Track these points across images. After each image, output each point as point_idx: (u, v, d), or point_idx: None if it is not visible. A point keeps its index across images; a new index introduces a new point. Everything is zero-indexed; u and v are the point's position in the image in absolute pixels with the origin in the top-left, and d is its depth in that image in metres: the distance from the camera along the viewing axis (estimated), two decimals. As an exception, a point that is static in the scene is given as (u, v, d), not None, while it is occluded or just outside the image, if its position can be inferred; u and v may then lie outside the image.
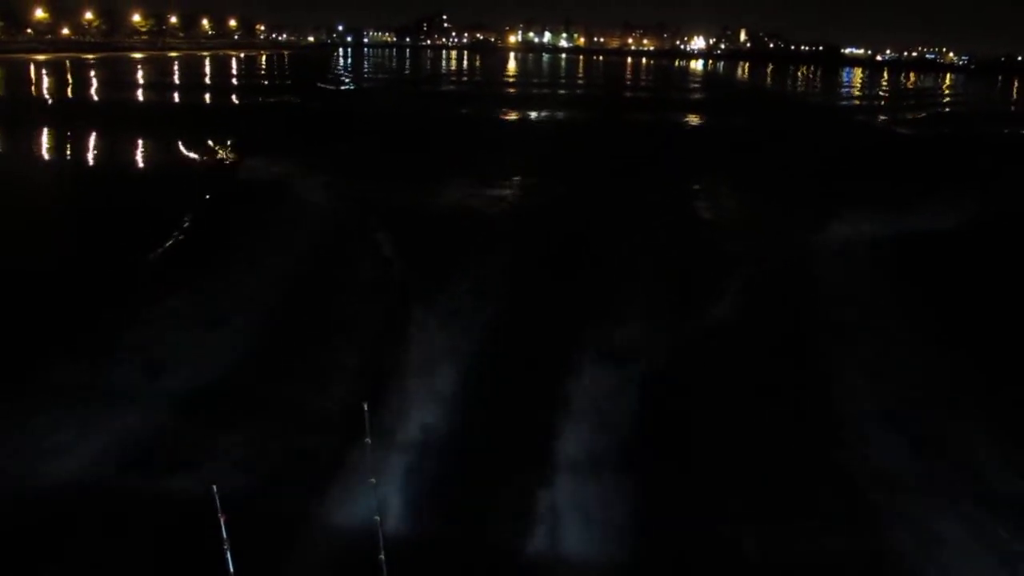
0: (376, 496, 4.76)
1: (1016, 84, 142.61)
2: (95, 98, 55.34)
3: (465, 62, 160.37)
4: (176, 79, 78.83)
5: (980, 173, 32.22)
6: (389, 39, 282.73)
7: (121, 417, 8.85)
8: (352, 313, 12.93)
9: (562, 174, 27.73)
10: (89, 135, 33.72)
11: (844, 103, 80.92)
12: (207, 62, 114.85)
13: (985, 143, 46.68)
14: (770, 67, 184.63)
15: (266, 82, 79.56)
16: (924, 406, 10.58)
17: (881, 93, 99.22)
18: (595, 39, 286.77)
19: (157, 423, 8.82)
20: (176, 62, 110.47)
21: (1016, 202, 25.61)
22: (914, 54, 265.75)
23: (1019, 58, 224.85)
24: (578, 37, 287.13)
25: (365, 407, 4.44)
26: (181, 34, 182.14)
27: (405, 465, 7.91)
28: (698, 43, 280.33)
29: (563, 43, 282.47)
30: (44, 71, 79.85)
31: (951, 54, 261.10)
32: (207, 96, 61.14)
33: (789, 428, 9.86)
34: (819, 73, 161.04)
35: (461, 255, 16.26)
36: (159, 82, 72.22)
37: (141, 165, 29.12)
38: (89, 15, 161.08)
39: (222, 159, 28.70)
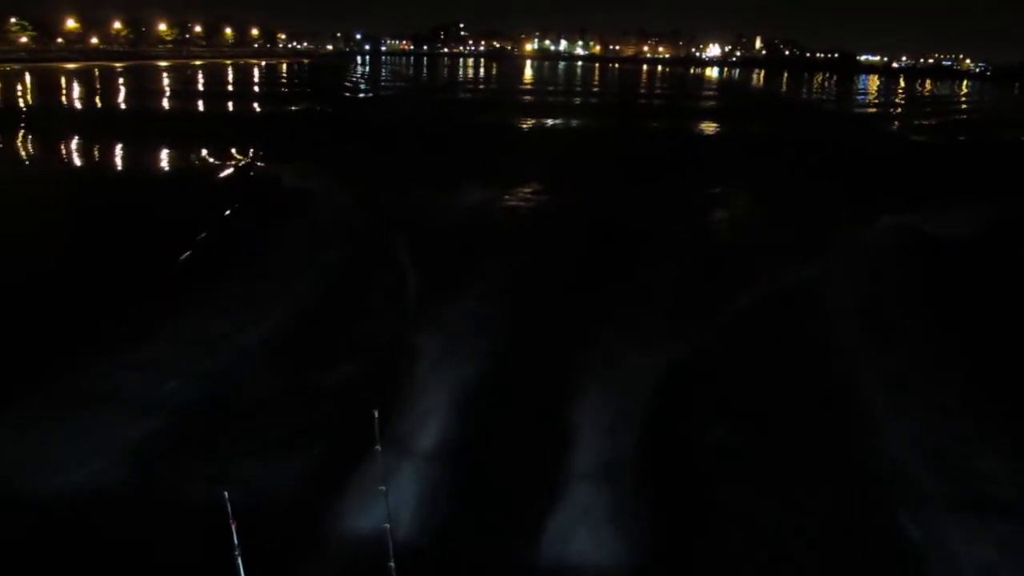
0: (387, 503, 4.69)
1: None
2: (130, 106, 56.18)
3: (481, 70, 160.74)
4: (202, 87, 79.67)
5: (997, 180, 31.74)
6: (406, 47, 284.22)
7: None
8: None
9: (580, 180, 27.71)
10: (132, 143, 34.26)
11: (860, 110, 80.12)
12: (230, 70, 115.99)
13: (1003, 150, 45.99)
14: (785, 74, 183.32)
15: (287, 90, 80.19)
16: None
17: (897, 100, 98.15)
18: (610, 47, 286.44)
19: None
20: (201, 70, 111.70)
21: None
22: (930, 61, 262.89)
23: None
24: (593, 45, 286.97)
25: (375, 414, 4.40)
26: (203, 42, 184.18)
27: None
28: (713, 50, 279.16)
29: (579, 51, 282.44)
30: (78, 80, 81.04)
31: (967, 61, 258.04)
32: (232, 104, 61.74)
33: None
34: (835, 80, 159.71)
35: (482, 259, 16.44)
36: (186, 90, 73.01)
37: (184, 172, 29.46)
38: (117, 25, 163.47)
39: (248, 165, 29.04)
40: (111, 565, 6.41)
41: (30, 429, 8.79)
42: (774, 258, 17.98)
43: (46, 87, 70.52)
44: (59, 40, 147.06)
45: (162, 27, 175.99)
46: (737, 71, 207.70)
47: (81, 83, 77.40)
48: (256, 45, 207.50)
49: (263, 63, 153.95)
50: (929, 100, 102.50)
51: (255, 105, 61.29)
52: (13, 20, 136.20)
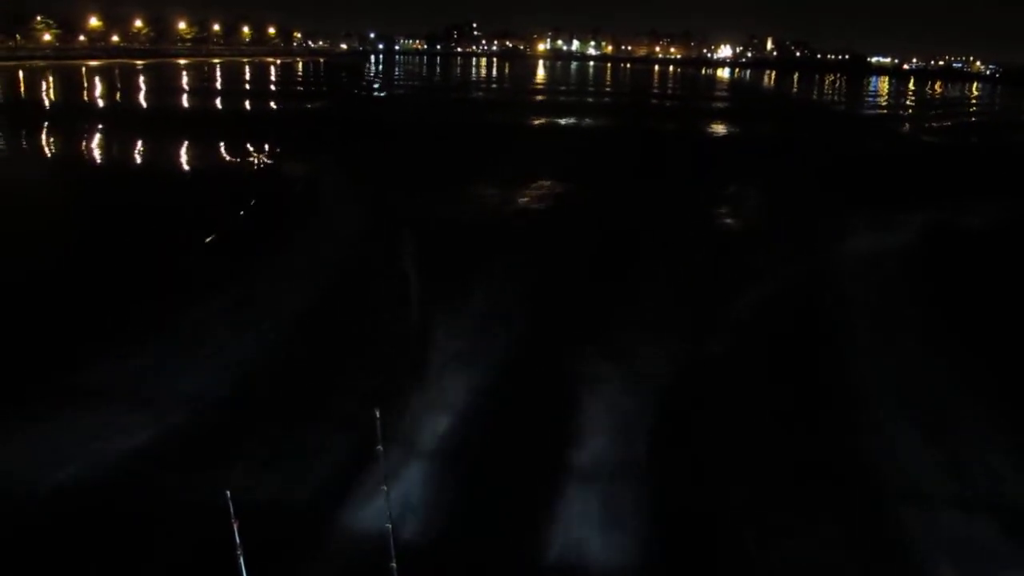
0: (388, 503, 4.62)
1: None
2: (151, 104, 56.57)
3: (494, 69, 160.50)
4: (221, 85, 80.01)
5: (1006, 181, 31.36)
6: (419, 46, 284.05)
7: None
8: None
9: (593, 178, 27.60)
10: (151, 140, 34.51)
11: (870, 112, 79.35)
12: (247, 68, 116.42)
13: (1012, 153, 45.41)
14: (796, 75, 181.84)
15: (303, 88, 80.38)
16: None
17: (907, 102, 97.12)
18: (622, 47, 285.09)
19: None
20: (219, 68, 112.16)
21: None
22: (940, 63, 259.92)
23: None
24: (606, 45, 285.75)
25: (377, 414, 4.33)
26: (222, 41, 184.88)
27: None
28: (725, 51, 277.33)
29: (591, 51, 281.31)
30: (101, 77, 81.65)
31: (978, 63, 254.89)
32: (251, 102, 61.97)
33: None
34: (845, 81, 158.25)
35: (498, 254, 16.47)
36: (207, 88, 73.38)
37: (202, 170, 29.66)
38: (138, 23, 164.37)
39: (264, 163, 29.21)
40: (111, 565, 6.39)
41: (40, 424, 8.81)
42: (783, 255, 17.82)
43: (72, 84, 71.10)
44: (81, 38, 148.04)
45: (182, 25, 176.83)
46: (748, 72, 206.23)
47: (104, 80, 77.91)
48: (273, 44, 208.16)
49: (279, 61, 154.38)
50: (939, 102, 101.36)
51: (272, 103, 61.48)
52: (39, 18, 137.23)
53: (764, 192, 25.80)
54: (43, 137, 35.37)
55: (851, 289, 15.56)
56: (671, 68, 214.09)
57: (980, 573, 7.08)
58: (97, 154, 32.54)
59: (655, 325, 13.08)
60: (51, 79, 75.10)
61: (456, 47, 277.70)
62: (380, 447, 4.18)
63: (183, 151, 32.04)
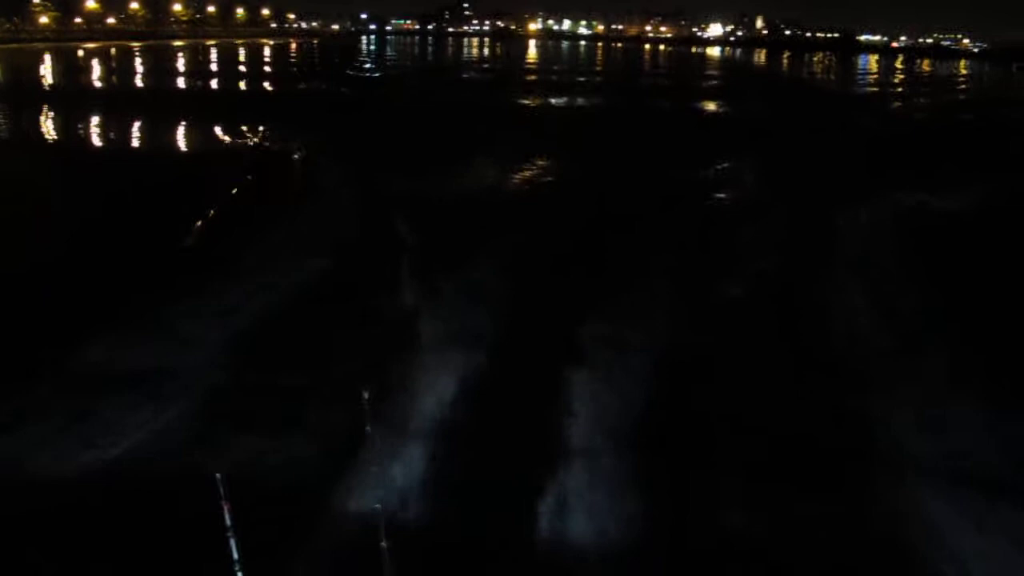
0: (378, 484, 4.49)
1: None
2: (147, 85, 55.94)
3: (486, 49, 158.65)
4: (216, 67, 78.92)
5: (996, 157, 31.23)
6: (411, 27, 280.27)
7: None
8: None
9: (585, 157, 27.37)
10: (147, 120, 34.15)
11: (861, 89, 78.82)
12: (242, 50, 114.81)
13: (1000, 129, 45.20)
14: (786, 54, 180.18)
15: (296, 69, 79.33)
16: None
17: (897, 80, 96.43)
18: (613, 26, 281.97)
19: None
20: (215, 50, 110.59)
21: None
22: (929, 40, 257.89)
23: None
24: (597, 24, 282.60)
25: (365, 395, 4.19)
26: (217, 23, 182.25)
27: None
28: (715, 30, 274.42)
29: (582, 30, 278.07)
30: (99, 59, 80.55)
31: (966, 40, 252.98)
32: (245, 83, 61.18)
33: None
34: (835, 60, 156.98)
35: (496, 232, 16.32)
36: (204, 71, 72.37)
37: (196, 150, 29.31)
38: (135, 4, 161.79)
39: (258, 143, 28.87)
40: (102, 550, 6.30)
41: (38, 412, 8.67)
42: (774, 231, 17.73)
43: (72, 67, 70.13)
44: (79, 20, 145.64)
45: (177, 7, 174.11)
46: (738, 51, 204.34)
47: (102, 62, 76.83)
48: (267, 25, 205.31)
49: (274, 43, 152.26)
50: (928, 80, 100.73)
51: (266, 84, 60.68)
52: (36, 0, 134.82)
53: (756, 169, 25.63)
54: (49, 117, 35.09)
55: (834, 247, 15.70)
56: (662, 47, 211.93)
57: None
58: (91, 134, 32.15)
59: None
60: (51, 61, 74.05)
61: (448, 27, 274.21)
62: (369, 427, 4.05)
63: (169, 133, 31.59)
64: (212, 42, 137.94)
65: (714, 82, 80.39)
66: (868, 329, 12.20)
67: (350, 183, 20.68)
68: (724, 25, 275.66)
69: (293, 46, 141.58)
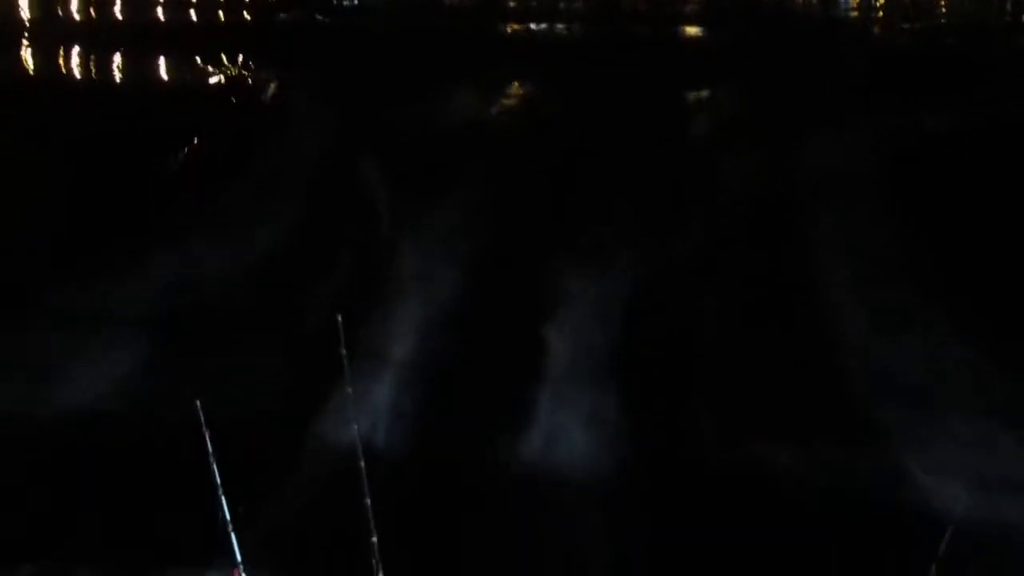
0: (354, 405, 4.59)
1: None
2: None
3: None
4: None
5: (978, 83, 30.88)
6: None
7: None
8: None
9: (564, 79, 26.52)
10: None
11: (841, 13, 76.64)
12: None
13: (982, 55, 44.47)
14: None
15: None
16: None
17: (877, 4, 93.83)
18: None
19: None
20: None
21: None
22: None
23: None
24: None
25: (339, 319, 4.23)
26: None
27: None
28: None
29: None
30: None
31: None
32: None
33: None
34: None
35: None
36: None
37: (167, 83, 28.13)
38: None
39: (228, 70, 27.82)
40: (90, 481, 6.42)
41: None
42: (750, 153, 17.59)
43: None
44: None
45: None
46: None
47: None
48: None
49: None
50: (910, 3, 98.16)
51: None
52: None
53: (732, 96, 25.24)
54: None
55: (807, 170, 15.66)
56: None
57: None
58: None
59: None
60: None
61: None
62: (344, 351, 4.12)
63: (136, 64, 30.22)
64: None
65: (692, 6, 77.54)
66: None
67: (321, 116, 20.05)
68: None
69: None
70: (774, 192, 14.20)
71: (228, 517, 4.00)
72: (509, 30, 46.65)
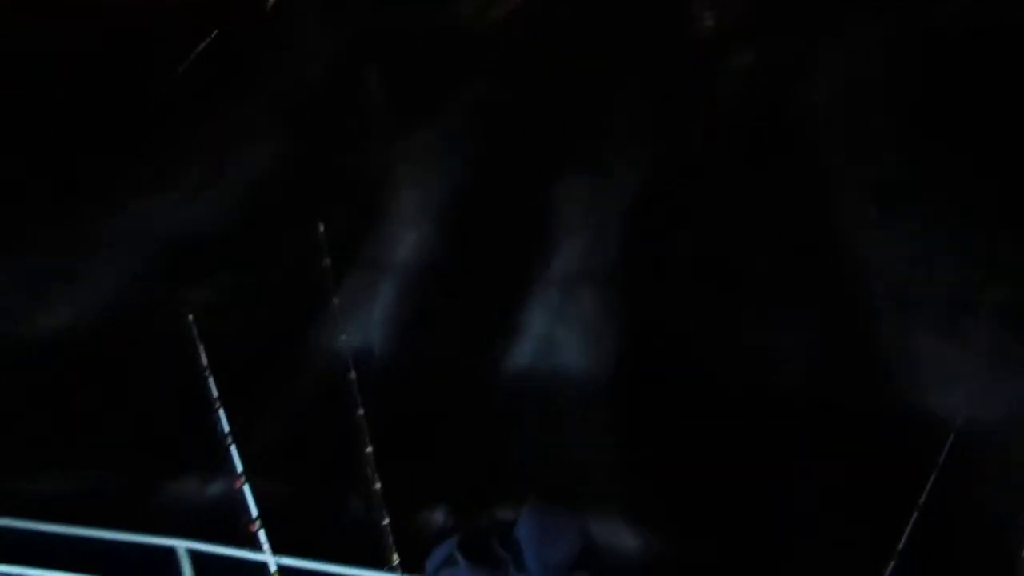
0: (340, 315, 4.50)
1: None
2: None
3: None
4: None
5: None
6: None
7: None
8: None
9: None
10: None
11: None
12: None
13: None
14: None
15: None
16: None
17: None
18: None
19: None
20: None
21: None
22: None
23: None
24: None
25: (320, 228, 4.12)
26: None
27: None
28: None
29: None
30: None
31: None
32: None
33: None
34: None
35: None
36: None
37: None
38: None
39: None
40: (87, 396, 6.43)
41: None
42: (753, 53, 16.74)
43: None
44: None
45: None
46: None
47: None
48: None
49: None
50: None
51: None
52: None
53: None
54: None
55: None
56: None
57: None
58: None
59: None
60: None
61: None
62: (328, 260, 4.03)
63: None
64: None
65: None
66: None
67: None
68: None
69: None
70: (776, 95, 13.44)
71: (227, 430, 3.99)
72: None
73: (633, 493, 5.92)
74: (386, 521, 4.00)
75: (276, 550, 4.07)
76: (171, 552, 4.12)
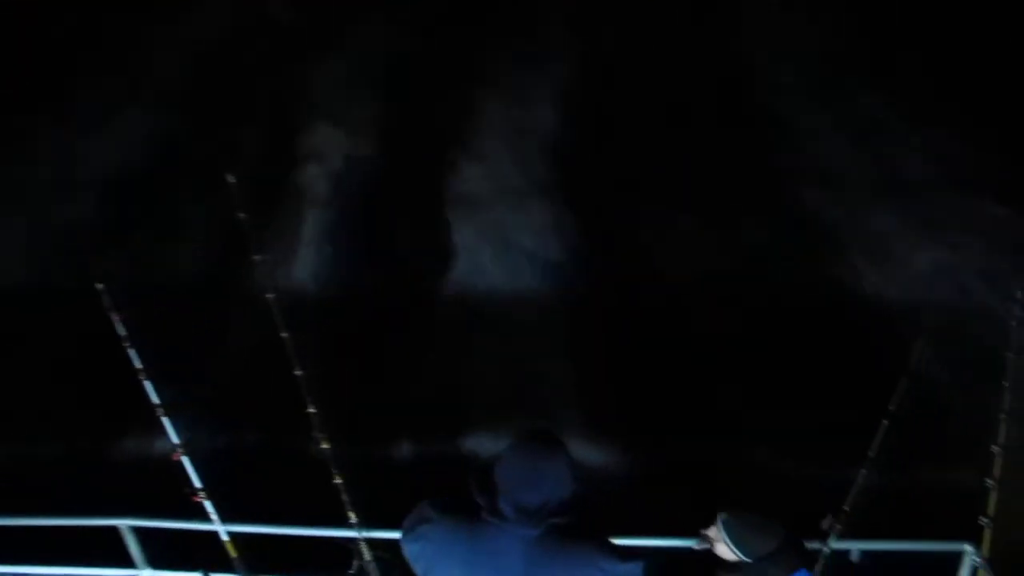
0: (262, 265, 4.08)
1: None
2: None
3: None
4: None
5: None
6: None
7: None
8: None
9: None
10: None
11: None
12: None
13: None
14: None
15: None
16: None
17: None
18: None
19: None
20: None
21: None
22: None
23: None
24: None
25: (231, 178, 3.72)
26: None
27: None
28: None
29: None
30: None
31: None
32: None
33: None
34: None
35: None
36: None
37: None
38: None
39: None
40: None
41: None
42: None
43: None
44: None
45: None
46: None
47: None
48: None
49: None
50: None
51: None
52: None
53: None
54: None
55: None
56: None
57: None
58: None
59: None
60: None
61: None
62: (241, 214, 3.64)
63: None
64: None
65: None
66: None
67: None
68: None
69: None
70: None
71: (157, 401, 3.67)
72: None
73: (585, 407, 5.82)
74: (338, 480, 3.77)
75: (226, 519, 3.87)
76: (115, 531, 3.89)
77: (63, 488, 5.02)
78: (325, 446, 3.72)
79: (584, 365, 6.31)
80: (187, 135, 9.19)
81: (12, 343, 6.33)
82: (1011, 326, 3.78)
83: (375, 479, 3.93)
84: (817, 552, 3.71)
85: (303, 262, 7.01)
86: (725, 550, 3.19)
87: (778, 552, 3.11)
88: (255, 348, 5.38)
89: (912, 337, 3.79)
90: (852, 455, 3.84)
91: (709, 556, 3.30)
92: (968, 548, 3.79)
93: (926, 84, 9.65)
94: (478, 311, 6.73)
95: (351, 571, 3.87)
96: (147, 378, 3.81)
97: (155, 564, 4.08)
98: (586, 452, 5.42)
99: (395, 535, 3.75)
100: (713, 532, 3.25)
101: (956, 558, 3.82)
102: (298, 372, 3.69)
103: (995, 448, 3.71)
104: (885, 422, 3.70)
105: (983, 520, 3.72)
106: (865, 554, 3.78)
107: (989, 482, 3.73)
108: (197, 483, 3.88)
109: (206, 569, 4.01)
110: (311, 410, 3.70)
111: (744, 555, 3.14)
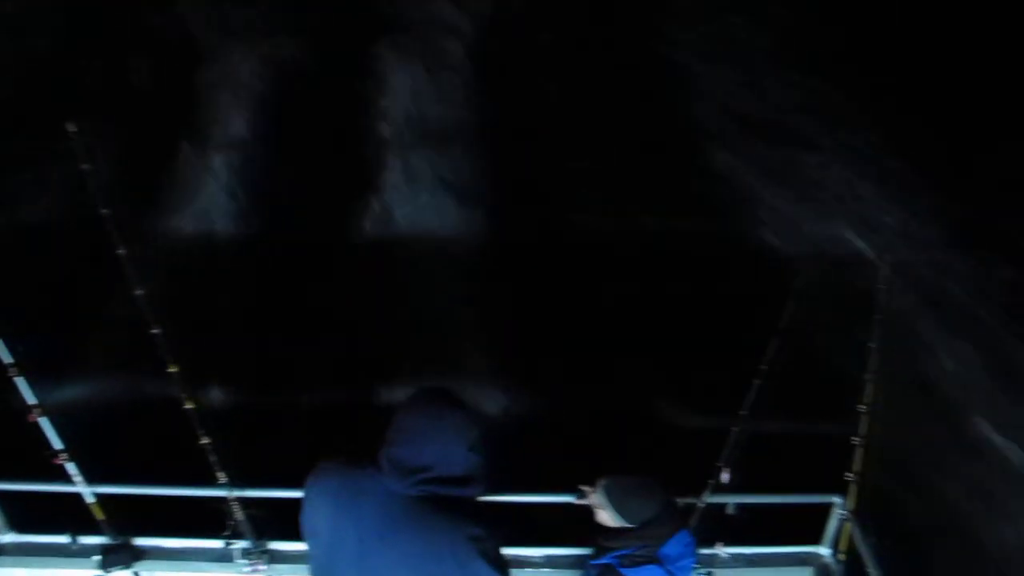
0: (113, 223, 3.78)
1: None
2: None
3: None
4: None
5: None
6: None
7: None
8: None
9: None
10: None
11: None
12: None
13: None
14: None
15: None
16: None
17: None
18: None
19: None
20: None
21: None
22: None
23: None
24: None
25: (72, 127, 3.39)
26: None
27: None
28: None
29: None
30: None
31: None
32: None
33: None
34: None
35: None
36: None
37: None
38: None
39: None
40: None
41: None
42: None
43: None
44: None
45: None
46: None
47: None
48: None
49: None
50: None
51: None
52: None
53: None
54: None
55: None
56: None
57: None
58: None
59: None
60: None
61: None
62: (86, 166, 3.35)
63: None
64: None
65: None
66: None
67: None
68: None
69: None
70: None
71: (10, 360, 3.41)
72: None
73: (497, 354, 5.81)
74: (205, 440, 3.62)
75: (91, 480, 3.70)
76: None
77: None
78: (189, 405, 3.56)
79: (492, 314, 6.26)
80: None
81: None
82: (879, 289, 3.84)
83: (248, 437, 3.79)
84: (692, 507, 3.79)
85: (219, 202, 6.66)
86: (607, 517, 3.17)
87: (660, 515, 3.12)
88: (113, 306, 5.09)
89: (786, 296, 3.84)
90: (728, 412, 3.91)
91: (588, 513, 3.31)
92: (837, 500, 3.94)
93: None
94: (390, 258, 6.58)
95: (225, 532, 3.78)
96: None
97: (19, 528, 3.89)
98: (485, 400, 5.43)
99: (266, 493, 3.70)
100: (594, 499, 3.23)
101: (826, 510, 3.98)
102: (155, 330, 3.47)
103: (860, 407, 3.82)
104: (757, 381, 3.76)
105: (848, 476, 3.85)
106: (740, 507, 3.88)
107: (855, 439, 3.85)
108: (58, 444, 3.68)
109: (73, 532, 3.84)
110: (171, 369, 3.51)
111: (627, 521, 3.12)
